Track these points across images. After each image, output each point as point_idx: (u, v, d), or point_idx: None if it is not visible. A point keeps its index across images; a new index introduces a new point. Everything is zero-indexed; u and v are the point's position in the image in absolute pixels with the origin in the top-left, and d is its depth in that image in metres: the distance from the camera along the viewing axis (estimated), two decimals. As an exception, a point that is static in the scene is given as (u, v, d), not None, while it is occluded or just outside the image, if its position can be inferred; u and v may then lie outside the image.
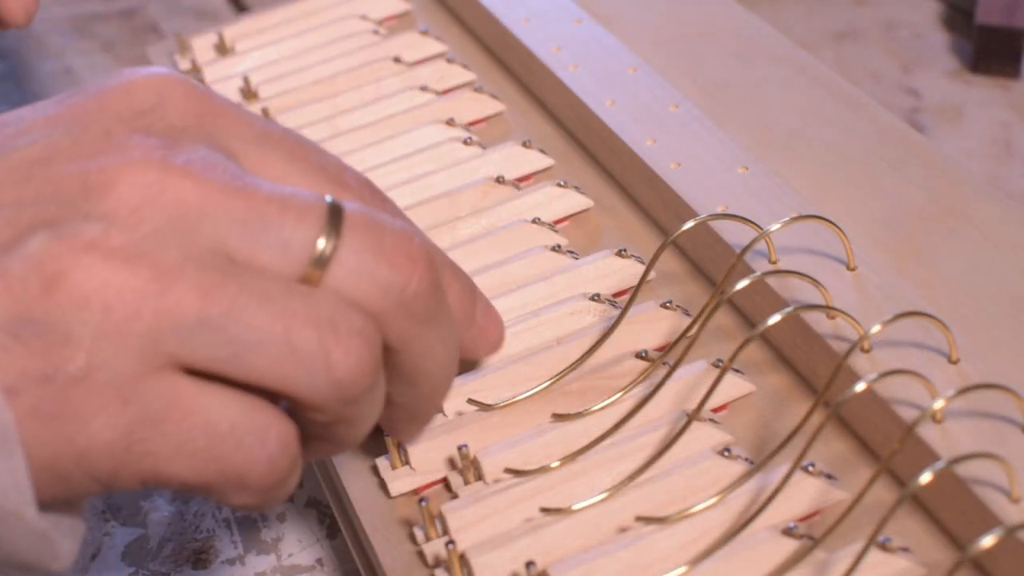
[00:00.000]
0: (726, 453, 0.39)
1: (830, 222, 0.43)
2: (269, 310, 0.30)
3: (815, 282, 0.41)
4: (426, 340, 0.34)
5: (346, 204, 0.32)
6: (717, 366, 0.43)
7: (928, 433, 0.37)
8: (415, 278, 0.32)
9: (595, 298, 0.46)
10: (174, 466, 0.30)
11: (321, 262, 0.31)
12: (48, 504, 0.30)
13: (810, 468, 0.39)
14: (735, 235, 0.46)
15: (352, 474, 0.43)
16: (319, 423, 0.33)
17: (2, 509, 0.29)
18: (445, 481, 0.42)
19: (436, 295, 0.33)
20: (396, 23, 0.67)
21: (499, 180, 0.52)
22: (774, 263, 0.44)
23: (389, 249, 0.32)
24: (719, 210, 0.47)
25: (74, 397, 0.29)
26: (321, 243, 0.31)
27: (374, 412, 0.34)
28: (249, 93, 0.62)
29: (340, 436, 0.34)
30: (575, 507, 0.39)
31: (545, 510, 0.39)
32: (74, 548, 0.32)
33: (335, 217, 0.32)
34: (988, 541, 0.32)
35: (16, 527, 0.30)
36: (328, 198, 0.32)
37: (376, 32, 0.65)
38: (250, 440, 0.31)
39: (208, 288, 0.30)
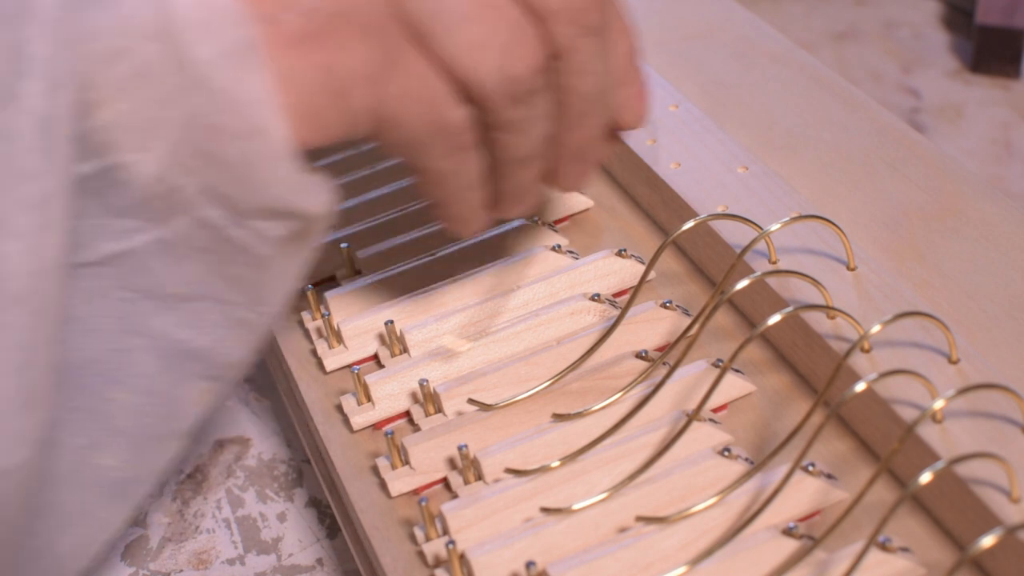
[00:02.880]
0: (726, 453, 0.39)
1: (830, 222, 0.43)
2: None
3: (815, 282, 0.41)
4: (585, 53, 0.37)
5: None
6: (717, 366, 0.43)
7: (928, 433, 0.37)
8: None
9: (595, 298, 0.46)
10: (404, 108, 0.35)
11: None
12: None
13: (810, 468, 0.39)
14: (735, 235, 0.46)
15: (352, 474, 0.43)
16: (489, 129, 0.36)
17: (247, 124, 0.32)
18: (445, 481, 0.42)
19: (603, 13, 0.37)
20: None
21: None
22: (774, 263, 0.44)
23: None
24: (719, 210, 0.47)
25: (330, 27, 0.33)
26: None
27: (536, 127, 0.37)
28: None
29: (506, 147, 0.37)
30: (575, 507, 0.39)
31: (545, 510, 0.39)
32: (328, 200, 0.35)
33: None
34: (988, 541, 0.32)
35: (262, 147, 0.32)
36: None
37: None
38: (447, 99, 0.35)
39: None
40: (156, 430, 0.36)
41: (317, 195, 0.34)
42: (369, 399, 0.44)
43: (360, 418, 0.44)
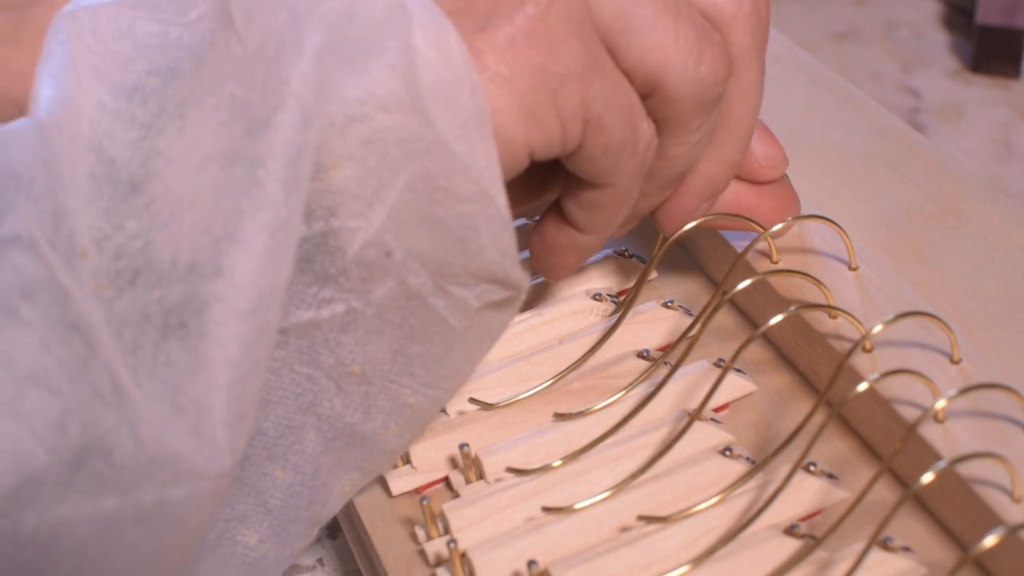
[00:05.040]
0: (728, 453, 0.39)
1: (832, 222, 0.43)
2: (664, 2, 0.35)
3: (817, 282, 0.41)
4: (750, 72, 0.38)
5: None
6: (719, 366, 0.43)
7: (930, 433, 0.37)
8: (760, 2, 0.38)
9: (597, 297, 0.46)
10: (607, 110, 0.35)
11: None
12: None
13: (812, 468, 0.39)
14: (736, 235, 0.46)
15: (353, 473, 0.43)
16: (662, 133, 0.37)
17: (476, 187, 0.33)
18: (446, 480, 0.42)
19: (767, 26, 0.39)
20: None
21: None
22: (776, 263, 0.44)
23: None
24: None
25: (544, 27, 0.34)
26: None
27: (701, 145, 0.38)
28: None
29: (672, 160, 0.38)
30: (577, 506, 0.39)
31: (547, 509, 0.39)
32: (526, 279, 0.36)
33: None
34: (990, 541, 0.32)
35: (486, 210, 0.33)
36: None
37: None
38: (640, 109, 0.37)
39: None
40: (300, 514, 0.37)
41: (522, 267, 0.35)
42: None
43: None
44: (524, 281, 0.36)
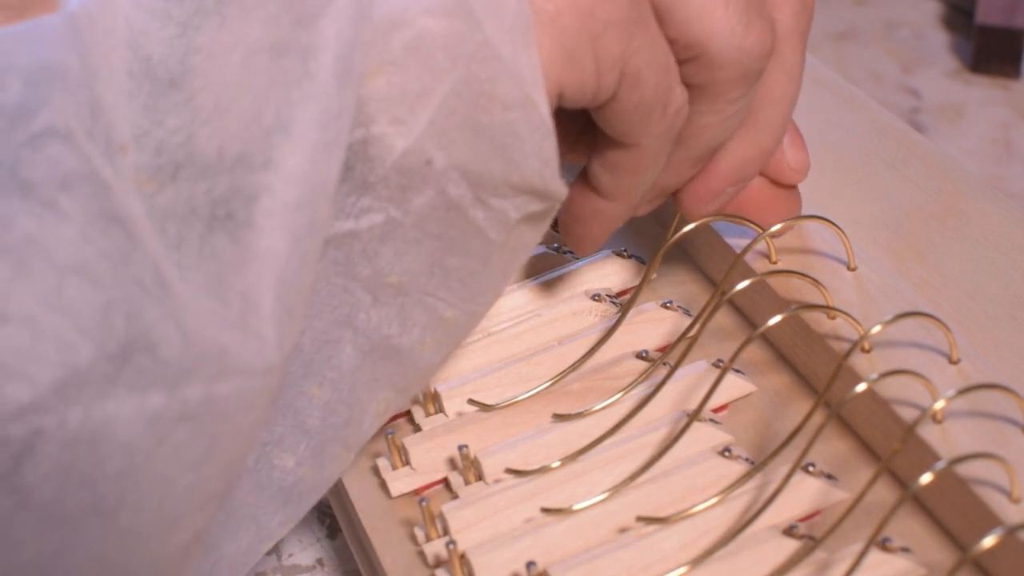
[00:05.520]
0: (727, 453, 0.39)
1: (831, 222, 0.43)
2: None
3: (816, 282, 0.41)
4: (798, 55, 0.38)
5: None
6: (718, 366, 0.43)
7: (929, 433, 0.37)
8: None
9: (596, 298, 0.46)
10: (646, 66, 0.35)
11: None
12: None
13: (811, 468, 0.39)
14: (736, 235, 0.46)
15: (352, 474, 0.43)
16: (700, 100, 0.37)
17: (520, 93, 0.33)
18: (446, 481, 0.42)
19: (810, 17, 0.39)
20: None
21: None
22: (774, 263, 0.44)
23: None
24: (719, 210, 0.47)
25: None
26: None
27: (737, 118, 0.38)
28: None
29: (705, 129, 0.38)
30: (576, 507, 0.39)
31: (546, 510, 0.39)
32: (565, 189, 0.36)
33: None
34: (989, 541, 0.32)
35: (530, 118, 0.33)
36: None
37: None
38: (676, 73, 0.36)
39: None
40: (337, 434, 0.36)
41: (562, 178, 0.35)
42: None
43: (360, 418, 0.44)
44: (562, 192, 0.35)
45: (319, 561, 0.46)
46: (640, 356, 0.44)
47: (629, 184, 0.39)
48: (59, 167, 0.29)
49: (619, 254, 0.48)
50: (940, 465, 0.34)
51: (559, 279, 0.47)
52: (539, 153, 0.34)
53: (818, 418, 0.38)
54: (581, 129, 0.39)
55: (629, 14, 0.34)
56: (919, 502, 0.38)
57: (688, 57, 0.36)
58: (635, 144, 0.37)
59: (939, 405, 0.36)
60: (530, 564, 0.36)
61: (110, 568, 0.30)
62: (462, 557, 0.38)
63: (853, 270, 0.44)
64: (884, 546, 0.36)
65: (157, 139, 0.31)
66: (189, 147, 0.31)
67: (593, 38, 0.34)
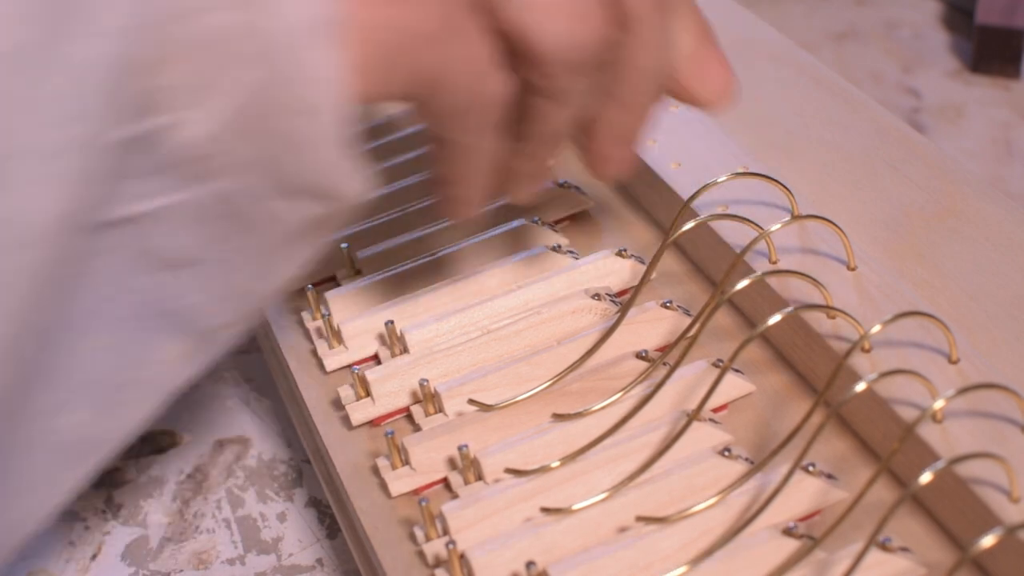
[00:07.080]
0: (726, 453, 0.39)
1: (830, 222, 0.43)
2: None
3: (815, 282, 0.41)
4: (653, 28, 0.37)
5: None
6: (717, 366, 0.43)
7: (928, 433, 0.37)
8: None
9: (596, 297, 0.46)
10: (455, 73, 0.35)
11: None
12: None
13: (810, 468, 0.39)
14: (735, 235, 0.46)
15: (352, 474, 0.43)
16: (535, 92, 0.37)
17: (311, 97, 0.32)
18: (445, 481, 0.42)
19: None
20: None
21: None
22: (774, 263, 0.44)
23: None
24: (719, 210, 0.47)
25: None
26: None
27: (578, 102, 0.37)
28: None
29: (544, 117, 0.37)
30: (575, 507, 0.39)
31: (545, 510, 0.39)
32: (362, 189, 0.35)
33: None
34: (988, 541, 0.32)
35: (318, 122, 0.33)
36: None
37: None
38: (492, 69, 0.36)
39: None
40: (125, 377, 0.36)
41: (355, 180, 0.34)
42: (368, 394, 0.44)
43: (359, 414, 0.44)
44: (350, 197, 0.35)
45: (319, 561, 0.46)
46: (640, 356, 0.44)
47: (457, 173, 0.39)
48: None
49: (619, 254, 0.48)
50: (940, 465, 0.34)
51: (559, 279, 0.47)
52: (326, 158, 0.34)
53: (817, 418, 0.38)
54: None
55: (442, 26, 0.34)
56: (919, 502, 0.38)
57: (518, 52, 0.36)
58: (448, 140, 0.38)
59: (939, 405, 0.36)
60: (530, 564, 0.36)
61: None
62: (462, 557, 0.38)
63: (853, 270, 0.44)
64: (884, 546, 0.36)
65: None
66: None
67: (401, 50, 0.34)
